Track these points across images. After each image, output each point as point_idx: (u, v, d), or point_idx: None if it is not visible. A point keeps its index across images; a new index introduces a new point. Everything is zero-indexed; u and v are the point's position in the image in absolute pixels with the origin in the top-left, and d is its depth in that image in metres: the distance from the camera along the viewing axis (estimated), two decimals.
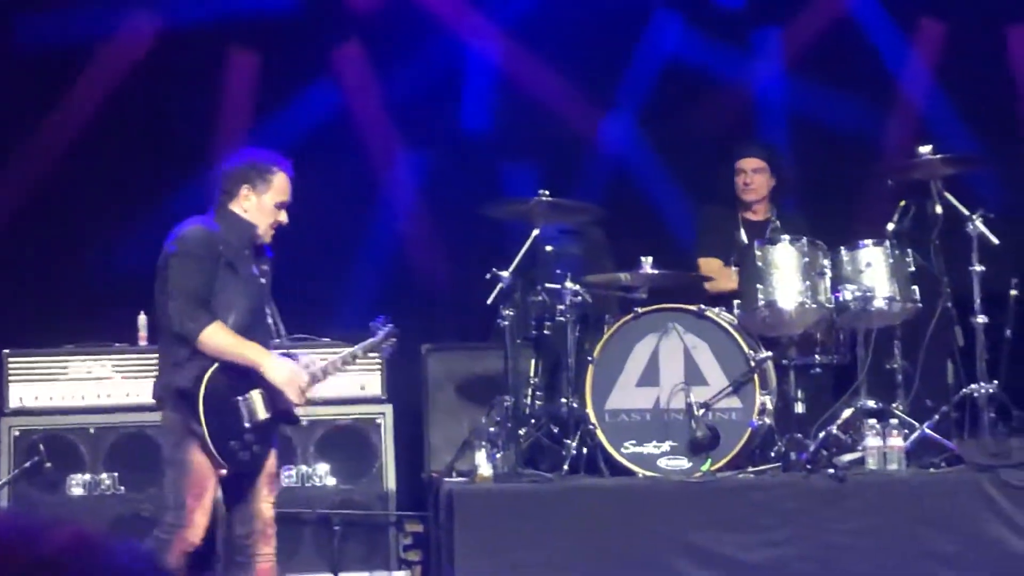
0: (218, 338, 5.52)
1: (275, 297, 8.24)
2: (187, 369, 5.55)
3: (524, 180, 8.40)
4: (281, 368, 5.63)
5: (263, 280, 5.82)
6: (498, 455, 7.02)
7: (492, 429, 7.21)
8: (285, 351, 5.86)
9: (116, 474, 7.43)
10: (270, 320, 5.84)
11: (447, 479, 7.10)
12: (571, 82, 8.82)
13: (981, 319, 7.13)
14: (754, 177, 7.96)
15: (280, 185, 5.76)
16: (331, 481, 7.52)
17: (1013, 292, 7.29)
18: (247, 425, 5.61)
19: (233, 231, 5.70)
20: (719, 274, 7.85)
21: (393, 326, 6.16)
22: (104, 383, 7.53)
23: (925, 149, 7.25)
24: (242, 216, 5.73)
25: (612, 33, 8.80)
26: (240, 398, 5.59)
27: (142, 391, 6.98)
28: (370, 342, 6.12)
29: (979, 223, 7.16)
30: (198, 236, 5.64)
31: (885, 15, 8.94)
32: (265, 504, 5.78)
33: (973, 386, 7.07)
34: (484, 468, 6.91)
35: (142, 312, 7.54)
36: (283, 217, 5.78)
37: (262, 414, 5.63)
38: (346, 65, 8.90)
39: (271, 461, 5.80)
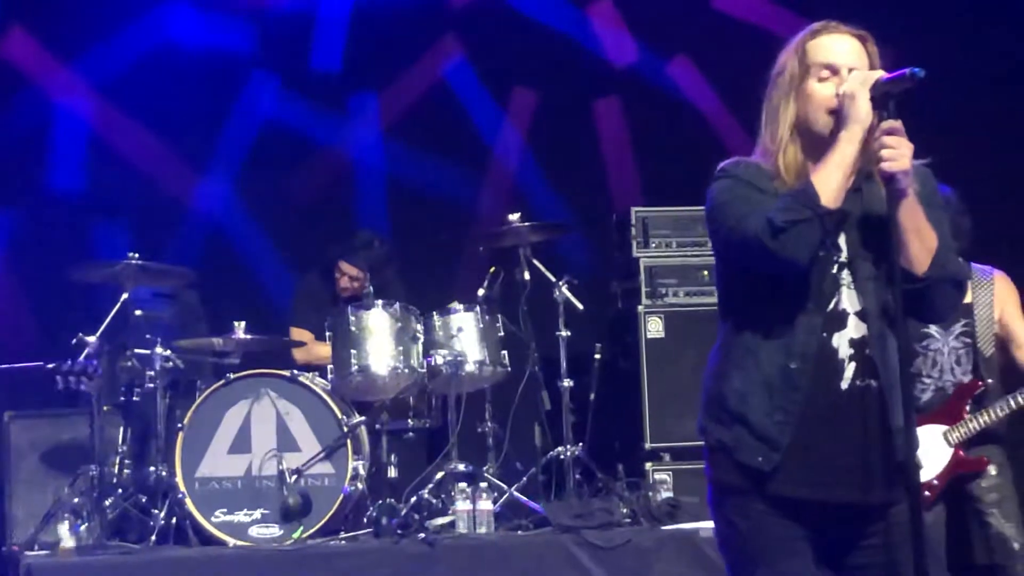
0: None
1: None
2: None
3: (115, 242, 8.19)
4: None
5: None
6: (82, 526, 6.83)
7: (76, 499, 7.01)
8: None
9: None
10: None
11: (28, 552, 6.86)
12: (165, 142, 8.65)
13: (567, 382, 7.36)
14: (351, 283, 7.92)
15: None
16: None
17: (597, 356, 7.55)
18: None
19: None
20: (311, 344, 7.83)
21: None
22: None
23: (514, 217, 7.46)
24: None
25: (208, 93, 8.68)
26: None
27: None
28: None
29: (565, 289, 7.42)
30: None
31: (478, 83, 9.12)
32: None
33: (559, 448, 7.29)
34: (67, 540, 6.72)
35: None
36: None
37: None
38: None
39: None
